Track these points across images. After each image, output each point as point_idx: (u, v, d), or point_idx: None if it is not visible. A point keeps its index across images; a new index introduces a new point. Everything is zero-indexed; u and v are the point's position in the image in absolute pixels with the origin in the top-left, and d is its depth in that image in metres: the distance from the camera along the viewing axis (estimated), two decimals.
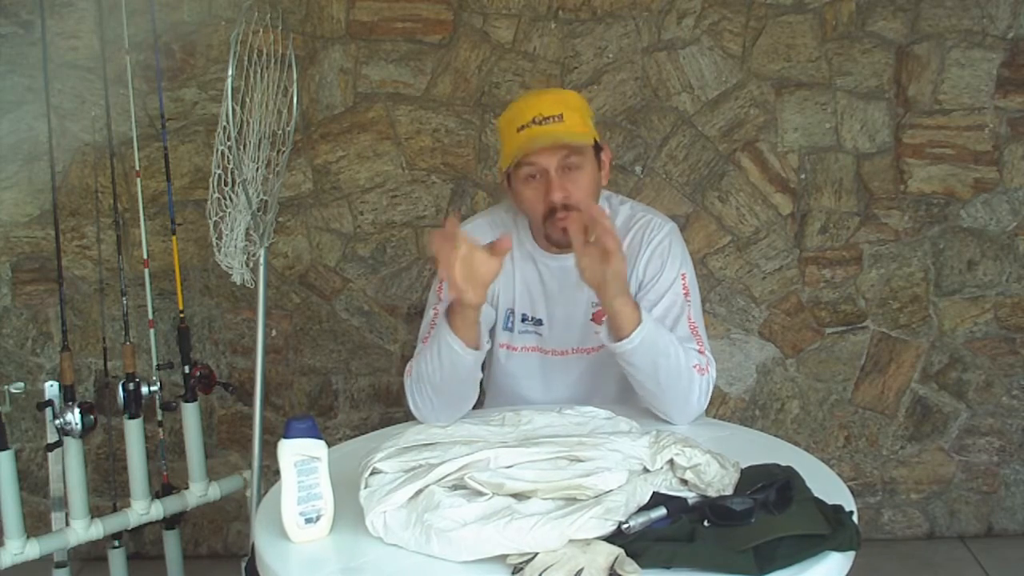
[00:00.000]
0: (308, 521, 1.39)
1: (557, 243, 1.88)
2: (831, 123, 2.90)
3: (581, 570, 1.21)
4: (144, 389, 2.36)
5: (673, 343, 1.75)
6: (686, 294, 1.88)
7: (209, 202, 2.24)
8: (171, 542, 2.57)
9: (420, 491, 1.36)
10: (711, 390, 1.81)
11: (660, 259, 1.89)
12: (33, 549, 2.19)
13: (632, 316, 1.69)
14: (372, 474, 1.44)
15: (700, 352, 1.82)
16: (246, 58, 2.23)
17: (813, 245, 2.95)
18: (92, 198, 2.90)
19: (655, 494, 1.35)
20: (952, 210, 2.92)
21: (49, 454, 2.33)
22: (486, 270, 1.62)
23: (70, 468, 2.27)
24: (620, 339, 1.70)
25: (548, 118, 1.80)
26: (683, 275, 1.89)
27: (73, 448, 2.25)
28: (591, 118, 1.89)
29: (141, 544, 3.01)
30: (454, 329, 1.70)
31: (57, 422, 2.21)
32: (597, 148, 1.89)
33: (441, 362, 1.73)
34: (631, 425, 1.60)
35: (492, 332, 1.99)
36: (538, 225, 1.90)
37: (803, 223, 2.94)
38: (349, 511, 1.41)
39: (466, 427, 1.58)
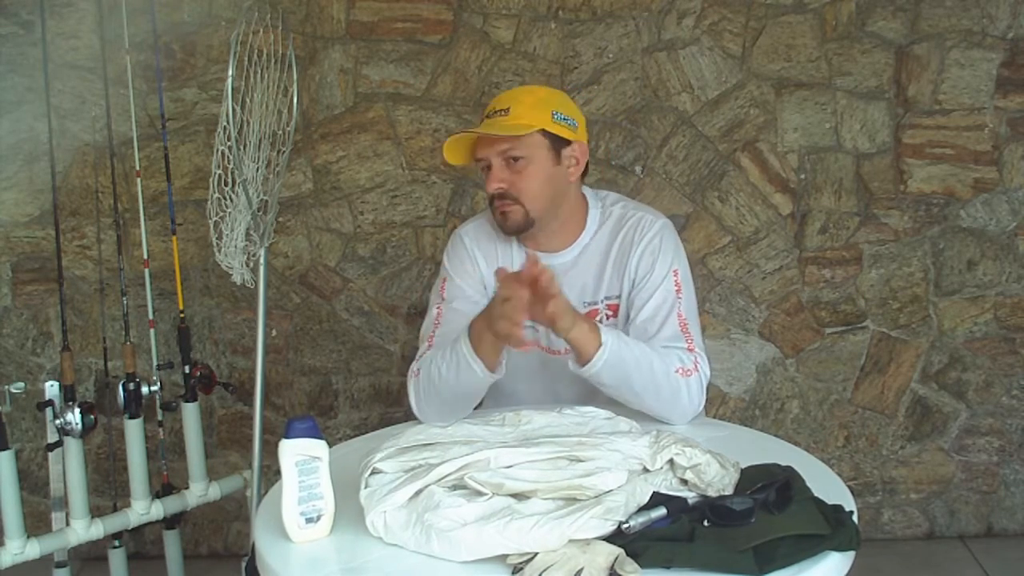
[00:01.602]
0: (309, 521, 1.39)
1: (500, 228, 1.92)
2: (831, 123, 2.90)
3: (581, 570, 1.21)
4: (144, 389, 2.36)
5: (645, 355, 1.74)
6: (677, 290, 1.87)
7: (209, 202, 2.24)
8: (171, 542, 2.57)
9: (420, 491, 1.36)
10: (705, 387, 1.80)
11: (651, 256, 1.89)
12: (33, 549, 2.20)
13: (591, 342, 1.69)
14: (372, 474, 1.44)
15: (689, 350, 1.81)
16: (246, 58, 2.23)
17: (813, 245, 2.95)
18: (92, 198, 2.91)
19: (655, 494, 1.35)
20: (952, 210, 2.92)
21: (49, 454, 2.33)
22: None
23: (70, 468, 2.27)
24: (583, 364, 1.71)
25: (497, 112, 1.85)
26: (675, 271, 1.89)
27: (73, 448, 2.25)
28: (556, 112, 1.86)
29: (141, 544, 3.01)
30: (478, 352, 1.70)
31: (57, 422, 2.21)
32: (561, 143, 1.87)
33: (457, 378, 1.73)
34: (631, 425, 1.60)
35: None
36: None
37: (803, 223, 2.94)
38: (349, 511, 1.41)
39: (466, 427, 1.58)
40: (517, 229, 1.89)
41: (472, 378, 1.72)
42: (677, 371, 1.76)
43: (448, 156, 1.90)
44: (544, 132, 1.85)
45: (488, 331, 1.66)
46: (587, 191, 2.00)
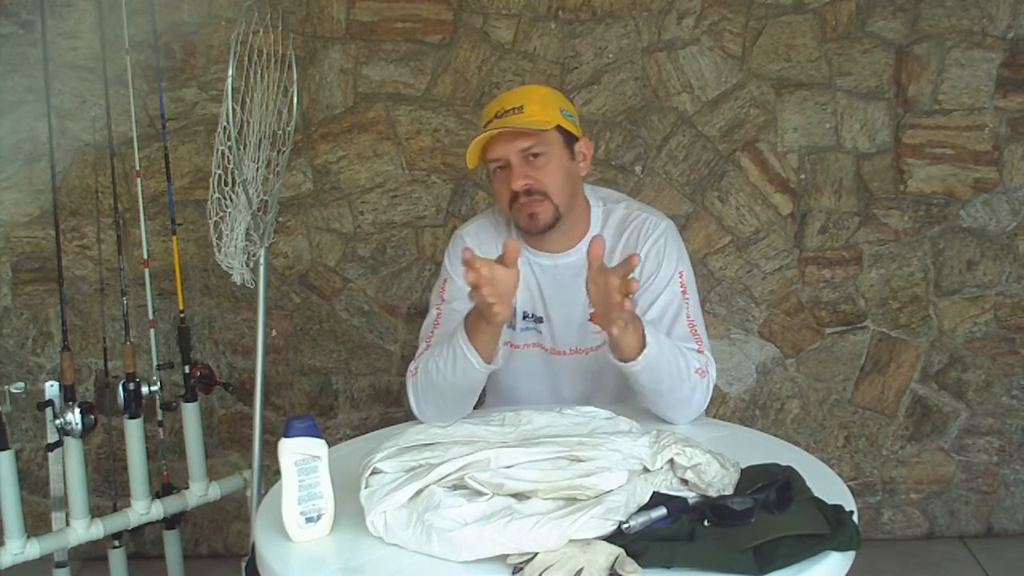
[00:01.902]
0: (308, 520, 1.39)
1: (524, 229, 1.89)
2: (831, 123, 2.90)
3: (581, 570, 1.21)
4: (144, 389, 2.36)
5: (676, 356, 1.74)
6: (683, 292, 1.88)
7: (209, 202, 2.24)
8: (171, 542, 2.57)
9: (420, 491, 1.36)
10: (711, 390, 1.81)
11: (656, 258, 1.89)
12: (33, 549, 2.20)
13: (635, 345, 1.68)
14: (372, 474, 1.44)
15: (699, 352, 1.82)
16: (246, 58, 2.23)
17: (813, 245, 2.95)
18: (92, 198, 2.91)
19: (655, 494, 1.35)
20: (952, 210, 2.92)
21: (49, 454, 2.33)
22: (510, 283, 1.61)
23: (70, 468, 2.27)
24: (623, 360, 1.71)
25: (508, 111, 1.83)
26: (680, 273, 1.89)
27: (73, 448, 2.25)
28: (562, 109, 1.88)
29: (141, 544, 3.01)
30: (474, 343, 1.70)
31: (57, 422, 2.21)
32: (572, 139, 1.90)
33: (455, 372, 1.74)
34: (631, 425, 1.60)
35: None
36: (508, 215, 1.91)
37: (803, 223, 2.94)
38: (349, 511, 1.41)
39: (466, 427, 1.58)
40: (546, 226, 1.87)
41: (469, 370, 1.73)
42: (696, 372, 1.77)
43: (468, 159, 1.89)
44: (559, 128, 1.86)
45: (481, 318, 1.67)
46: (585, 188, 2.00)
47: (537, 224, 1.87)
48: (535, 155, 1.84)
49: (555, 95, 1.93)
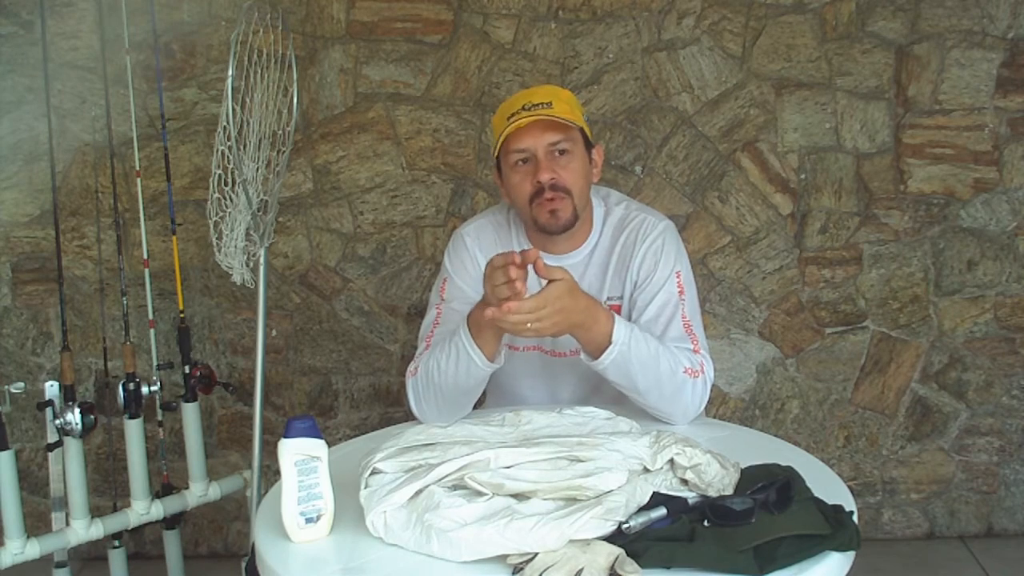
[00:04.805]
0: (308, 521, 1.39)
1: (543, 228, 1.88)
2: (831, 123, 2.90)
3: (581, 570, 1.21)
4: (144, 389, 2.36)
5: (654, 355, 1.73)
6: (680, 292, 1.87)
7: (209, 202, 2.24)
8: (171, 542, 2.58)
9: (420, 491, 1.36)
10: (708, 390, 1.80)
11: (654, 258, 1.89)
12: (33, 549, 2.20)
13: (600, 340, 1.69)
14: (372, 474, 1.44)
15: (694, 352, 1.81)
16: (246, 58, 2.23)
17: (813, 245, 2.95)
18: (92, 198, 2.91)
19: (655, 494, 1.35)
20: (952, 210, 2.92)
21: (49, 454, 2.33)
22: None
23: (70, 468, 2.27)
24: (594, 358, 1.72)
25: (537, 104, 1.83)
26: (678, 273, 1.89)
27: (73, 448, 2.26)
28: (582, 114, 1.91)
29: (141, 544, 3.01)
30: (478, 342, 1.71)
31: (57, 422, 2.21)
32: (588, 144, 1.91)
33: (457, 370, 1.74)
34: (631, 425, 1.60)
35: None
36: (525, 213, 1.90)
37: (803, 223, 2.94)
38: (349, 511, 1.41)
39: (466, 427, 1.58)
40: (566, 226, 1.87)
41: (472, 368, 1.73)
42: (685, 371, 1.76)
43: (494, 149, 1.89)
44: (581, 130, 1.88)
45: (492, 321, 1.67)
46: None
47: (558, 222, 1.86)
48: (562, 151, 1.84)
49: (576, 100, 1.95)
